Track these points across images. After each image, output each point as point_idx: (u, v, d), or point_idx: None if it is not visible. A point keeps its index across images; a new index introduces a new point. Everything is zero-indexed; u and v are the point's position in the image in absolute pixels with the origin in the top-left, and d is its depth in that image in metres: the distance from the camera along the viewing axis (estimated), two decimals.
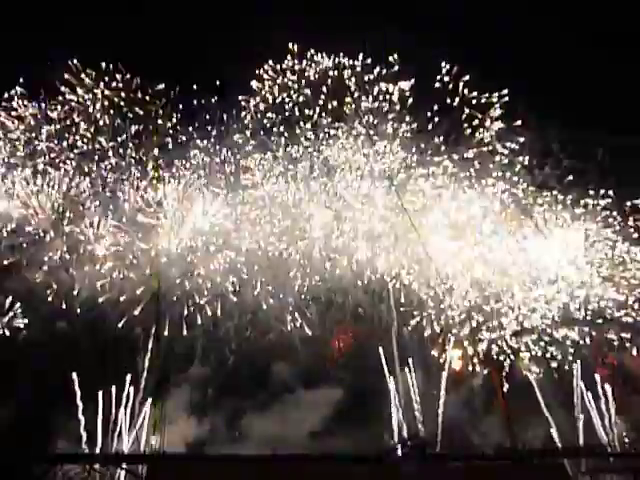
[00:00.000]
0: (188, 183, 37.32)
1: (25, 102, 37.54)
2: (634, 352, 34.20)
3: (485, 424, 32.73)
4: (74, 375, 29.53)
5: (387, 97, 38.63)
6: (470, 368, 34.28)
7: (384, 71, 38.52)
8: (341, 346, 38.76)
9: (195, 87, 37.78)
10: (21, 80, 37.26)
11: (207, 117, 38.30)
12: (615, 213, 36.48)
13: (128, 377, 31.08)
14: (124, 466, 22.15)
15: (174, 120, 38.57)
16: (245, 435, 33.50)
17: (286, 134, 38.57)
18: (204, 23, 42.16)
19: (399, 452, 29.44)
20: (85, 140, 37.51)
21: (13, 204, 35.26)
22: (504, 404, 29.46)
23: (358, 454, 27.15)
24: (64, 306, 33.43)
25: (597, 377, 32.99)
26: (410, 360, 34.68)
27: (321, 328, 36.96)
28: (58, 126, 37.43)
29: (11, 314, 33.29)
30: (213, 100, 37.94)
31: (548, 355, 34.06)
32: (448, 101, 37.65)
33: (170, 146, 38.42)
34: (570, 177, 36.67)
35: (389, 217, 37.37)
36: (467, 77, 37.23)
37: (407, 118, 38.27)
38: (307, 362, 36.41)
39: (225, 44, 40.25)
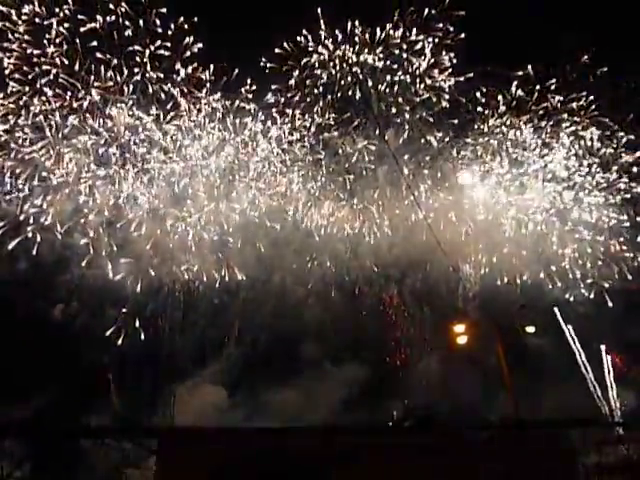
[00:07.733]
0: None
1: None
2: None
3: (492, 397, 33.96)
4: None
5: None
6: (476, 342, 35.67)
7: None
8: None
9: None
10: None
11: None
12: None
13: None
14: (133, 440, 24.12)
15: None
16: (270, 409, 36.25)
17: None
18: None
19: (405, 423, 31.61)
20: None
21: None
22: (509, 376, 30.44)
23: (363, 427, 29.00)
24: None
25: None
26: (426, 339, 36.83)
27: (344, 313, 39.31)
28: None
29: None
30: None
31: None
32: None
33: None
34: None
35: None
36: None
37: None
38: (332, 342, 38.92)
39: None
